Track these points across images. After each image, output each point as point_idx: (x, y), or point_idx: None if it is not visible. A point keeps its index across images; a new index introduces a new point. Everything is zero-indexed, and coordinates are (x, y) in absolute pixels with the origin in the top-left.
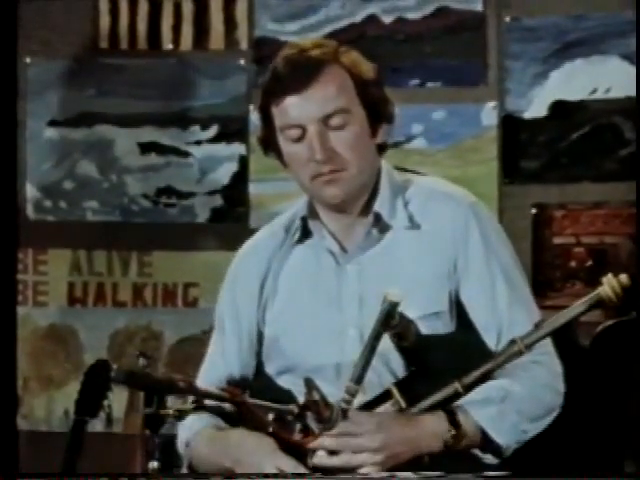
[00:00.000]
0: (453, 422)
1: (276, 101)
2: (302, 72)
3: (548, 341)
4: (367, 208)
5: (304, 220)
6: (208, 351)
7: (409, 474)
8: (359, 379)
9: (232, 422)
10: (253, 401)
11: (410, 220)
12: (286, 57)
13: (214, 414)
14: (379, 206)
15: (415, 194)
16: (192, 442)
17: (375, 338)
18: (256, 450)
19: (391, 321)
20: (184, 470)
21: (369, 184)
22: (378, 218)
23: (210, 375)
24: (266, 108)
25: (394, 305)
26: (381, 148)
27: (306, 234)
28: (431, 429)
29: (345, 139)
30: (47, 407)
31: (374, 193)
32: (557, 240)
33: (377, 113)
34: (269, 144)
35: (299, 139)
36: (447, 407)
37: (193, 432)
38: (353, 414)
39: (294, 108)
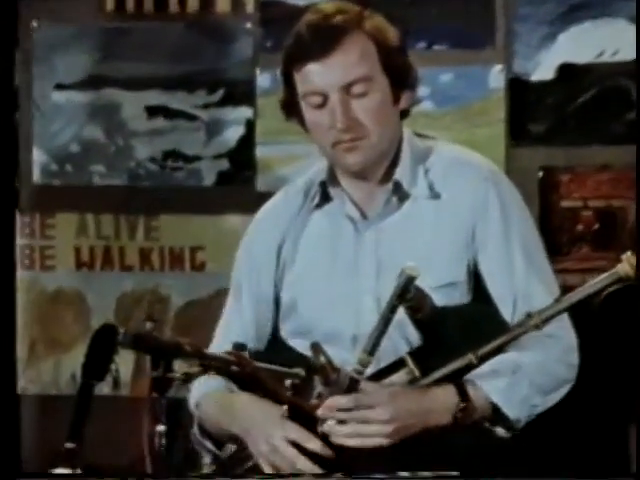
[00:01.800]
0: (463, 395)
1: (298, 67)
2: (324, 39)
3: (563, 315)
4: (388, 175)
5: (324, 185)
6: (223, 315)
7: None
8: (372, 350)
9: (242, 385)
10: (260, 365)
11: (430, 189)
12: (309, 23)
13: (223, 376)
14: (399, 174)
15: (436, 162)
16: (202, 403)
17: (390, 311)
18: (264, 420)
19: (407, 295)
20: (195, 430)
21: (390, 151)
22: (398, 186)
23: (226, 339)
24: (288, 73)
25: (411, 279)
26: (403, 114)
27: (326, 199)
28: (441, 402)
29: (367, 107)
30: (54, 370)
31: (395, 160)
32: (564, 203)
33: (400, 80)
34: (291, 109)
35: (321, 106)
36: (457, 380)
37: (203, 393)
38: (364, 385)
39: (316, 75)
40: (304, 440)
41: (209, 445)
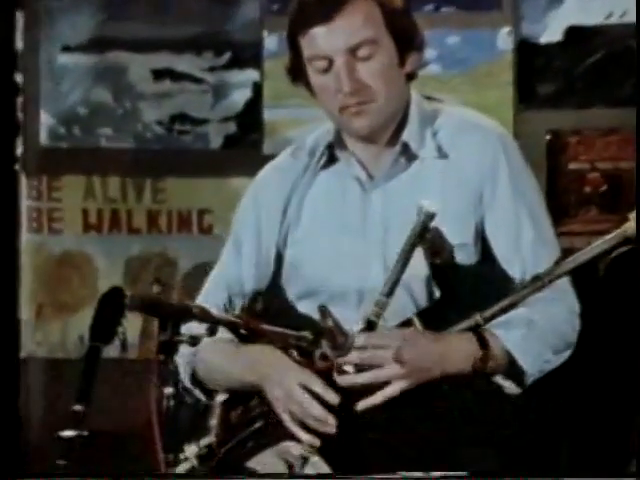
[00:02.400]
0: (482, 343)
1: (303, 31)
2: (329, 2)
3: (565, 279)
4: (395, 138)
5: (330, 147)
6: (219, 264)
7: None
8: (390, 292)
9: (248, 341)
10: (268, 327)
11: (438, 150)
12: None
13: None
14: (407, 136)
15: (444, 124)
16: (201, 352)
17: (409, 250)
18: (282, 365)
19: (426, 233)
20: (183, 377)
21: (398, 114)
22: (406, 147)
23: (218, 287)
24: (293, 38)
25: (430, 216)
26: (410, 77)
27: (332, 160)
28: (460, 347)
29: (373, 70)
30: (62, 333)
31: (403, 122)
32: (572, 166)
33: (405, 42)
34: (297, 74)
35: (326, 70)
36: (475, 329)
37: (204, 341)
38: (380, 327)
39: (321, 39)
40: (318, 387)
41: (198, 393)
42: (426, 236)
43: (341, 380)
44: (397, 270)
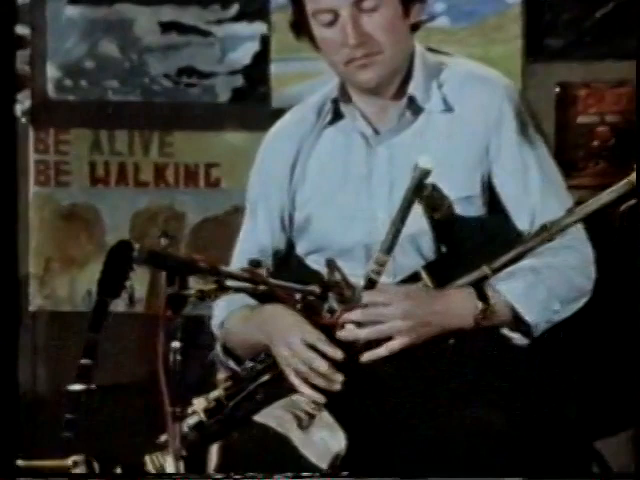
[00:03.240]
0: (482, 297)
1: None
2: None
3: (580, 227)
4: (401, 91)
5: (335, 102)
6: (240, 234)
7: None
8: (389, 249)
9: (262, 300)
10: (275, 282)
11: (444, 103)
12: None
13: (240, 292)
14: (413, 88)
15: (450, 76)
16: (227, 322)
17: (406, 207)
18: (287, 324)
19: (423, 190)
20: (217, 350)
21: (403, 66)
22: (412, 101)
23: (242, 257)
24: None
25: (425, 173)
26: (414, 28)
27: (337, 116)
28: (460, 303)
29: (378, 22)
30: (69, 288)
31: (408, 75)
32: (581, 119)
33: None
34: (301, 28)
35: (331, 23)
36: (483, 281)
37: (228, 312)
38: (381, 285)
39: None
40: (320, 344)
41: (232, 364)
42: (423, 193)
43: (344, 334)
44: (395, 227)
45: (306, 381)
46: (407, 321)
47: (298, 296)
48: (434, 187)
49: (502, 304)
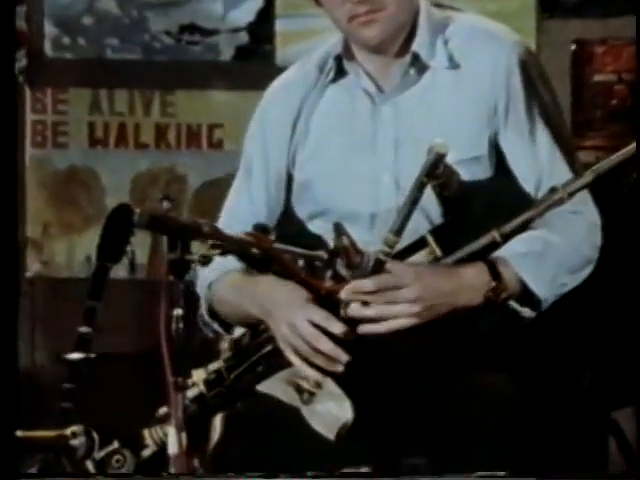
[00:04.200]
0: (494, 274)
1: None
2: None
3: (585, 191)
4: (405, 48)
5: (338, 59)
6: (231, 194)
7: None
8: (399, 231)
9: (260, 268)
10: (281, 247)
11: (450, 60)
12: None
13: (241, 259)
14: (417, 45)
15: (456, 32)
16: (215, 284)
17: (418, 189)
18: (287, 301)
19: (436, 172)
20: (202, 312)
21: (407, 22)
22: (416, 58)
23: (234, 219)
24: None
25: (440, 156)
26: None
27: (341, 73)
28: (471, 281)
29: None
30: (69, 253)
31: (412, 32)
32: (597, 77)
33: None
34: None
35: None
36: (487, 259)
37: (218, 273)
38: (390, 266)
39: None
40: (326, 322)
41: (217, 327)
42: (435, 174)
43: (349, 312)
44: (406, 209)
45: (306, 360)
46: (417, 305)
47: (301, 262)
48: (446, 165)
49: (513, 279)
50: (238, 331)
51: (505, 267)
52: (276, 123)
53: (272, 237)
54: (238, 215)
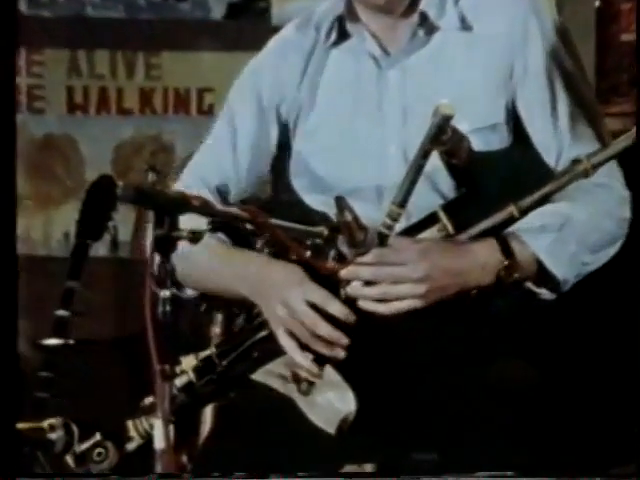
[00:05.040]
0: (506, 251)
1: None
2: None
3: (613, 163)
4: (412, 7)
5: (340, 20)
6: (203, 147)
7: None
8: (403, 202)
9: (242, 244)
10: (277, 222)
11: (461, 20)
12: None
13: (234, 235)
14: (425, 4)
15: None
16: (193, 254)
17: (423, 156)
18: (282, 281)
19: (442, 137)
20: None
21: None
22: (424, 18)
23: (200, 173)
24: None
25: (446, 118)
26: None
27: (343, 36)
28: (482, 259)
29: None
30: (45, 229)
31: None
32: (624, 37)
33: None
34: None
35: None
36: (499, 234)
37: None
38: (394, 240)
39: None
40: (325, 303)
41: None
42: (442, 139)
43: (349, 291)
44: (410, 177)
45: (303, 347)
46: (423, 284)
47: (299, 240)
48: (453, 130)
49: (528, 258)
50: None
51: (518, 243)
52: (273, 84)
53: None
54: (208, 172)
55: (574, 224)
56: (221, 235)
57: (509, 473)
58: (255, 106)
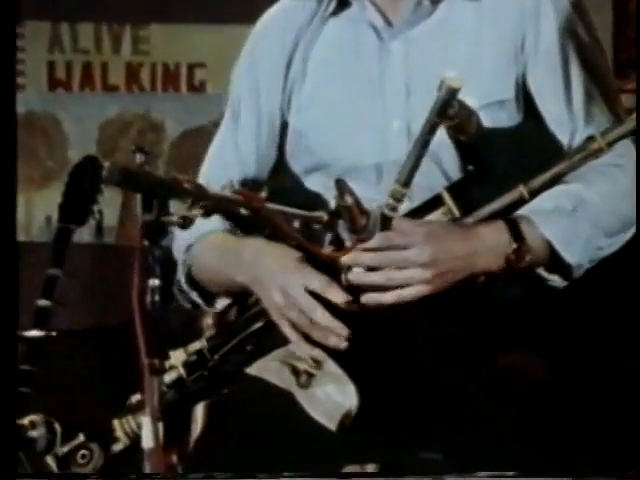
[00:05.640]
0: (515, 234)
1: None
2: None
3: (628, 141)
4: None
5: None
6: (214, 142)
7: None
8: (407, 180)
9: (250, 230)
10: (274, 206)
11: None
12: None
13: (227, 220)
14: None
15: None
16: (195, 246)
17: (428, 132)
18: (279, 267)
19: (449, 110)
20: (179, 278)
21: None
22: None
23: (217, 171)
24: None
25: (453, 92)
26: None
27: (342, 4)
28: (490, 242)
29: None
30: (26, 213)
31: None
32: None
33: None
34: None
35: None
36: (508, 217)
37: (199, 234)
38: (398, 222)
39: None
40: (325, 289)
41: (195, 297)
42: (449, 113)
43: (351, 277)
44: (415, 155)
45: (305, 336)
46: (429, 269)
47: (296, 225)
48: (461, 104)
49: (539, 241)
50: (221, 303)
51: (528, 226)
52: (269, 61)
53: (263, 194)
54: (222, 167)
55: (588, 206)
56: (225, 225)
57: (510, 473)
58: (253, 95)
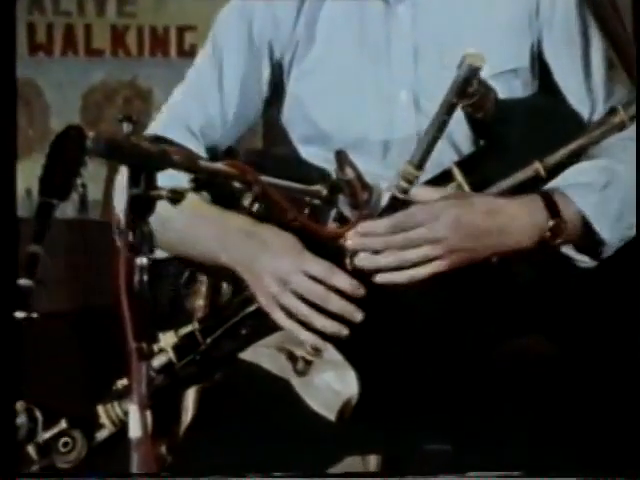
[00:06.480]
0: (552, 209)
1: None
2: None
3: None
4: None
5: None
6: (184, 84)
7: None
8: (421, 162)
9: (235, 205)
10: (269, 179)
11: None
12: None
13: (217, 194)
14: None
15: None
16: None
17: (447, 112)
18: (274, 250)
19: (468, 89)
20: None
21: None
22: None
23: (180, 116)
24: None
25: (474, 71)
26: None
27: None
28: (523, 219)
29: None
30: None
31: None
32: None
33: None
34: None
35: None
36: (541, 190)
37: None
38: (415, 191)
39: None
40: (329, 275)
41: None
42: (468, 92)
43: (358, 261)
44: (432, 134)
45: (303, 325)
46: (439, 245)
47: (294, 201)
48: (480, 82)
49: (573, 217)
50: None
51: (564, 201)
52: (266, 20)
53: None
54: (199, 103)
55: (618, 182)
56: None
57: (516, 473)
58: (245, 40)
